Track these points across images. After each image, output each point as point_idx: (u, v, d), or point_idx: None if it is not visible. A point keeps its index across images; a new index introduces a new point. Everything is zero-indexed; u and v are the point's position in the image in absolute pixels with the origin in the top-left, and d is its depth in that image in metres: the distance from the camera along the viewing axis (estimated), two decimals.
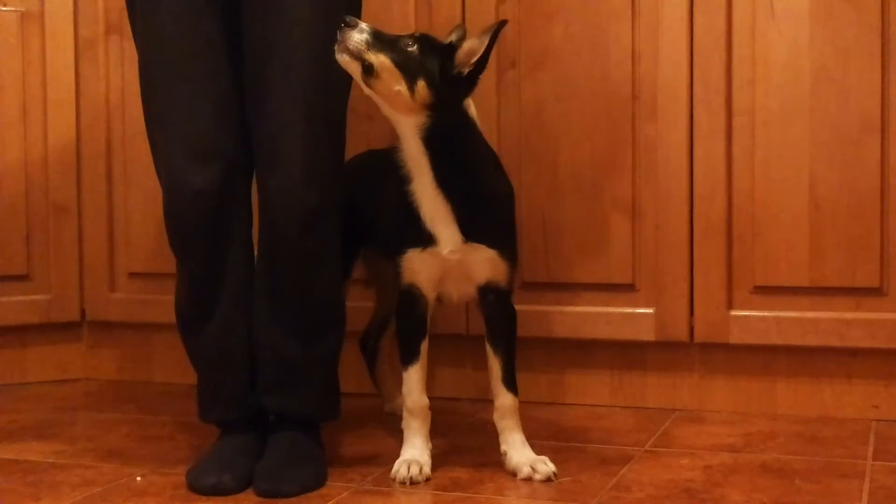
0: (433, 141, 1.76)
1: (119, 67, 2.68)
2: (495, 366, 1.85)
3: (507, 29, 2.35)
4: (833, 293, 2.18)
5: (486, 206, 1.82)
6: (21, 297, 2.68)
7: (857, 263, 2.16)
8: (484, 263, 1.81)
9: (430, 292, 1.84)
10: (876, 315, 2.16)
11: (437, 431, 1.91)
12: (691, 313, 2.26)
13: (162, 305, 2.65)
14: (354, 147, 2.23)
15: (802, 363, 2.23)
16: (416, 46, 1.74)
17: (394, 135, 2.43)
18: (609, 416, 2.26)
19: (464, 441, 2.07)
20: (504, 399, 1.85)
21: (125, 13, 2.63)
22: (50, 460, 1.98)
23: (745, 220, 2.23)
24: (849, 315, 2.17)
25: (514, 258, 1.86)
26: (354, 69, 1.74)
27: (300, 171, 1.78)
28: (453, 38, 1.83)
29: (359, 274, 2.22)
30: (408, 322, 1.86)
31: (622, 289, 2.30)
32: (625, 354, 2.34)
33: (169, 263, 2.69)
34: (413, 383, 1.84)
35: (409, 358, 1.85)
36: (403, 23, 2.41)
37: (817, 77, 2.17)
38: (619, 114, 2.29)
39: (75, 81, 2.70)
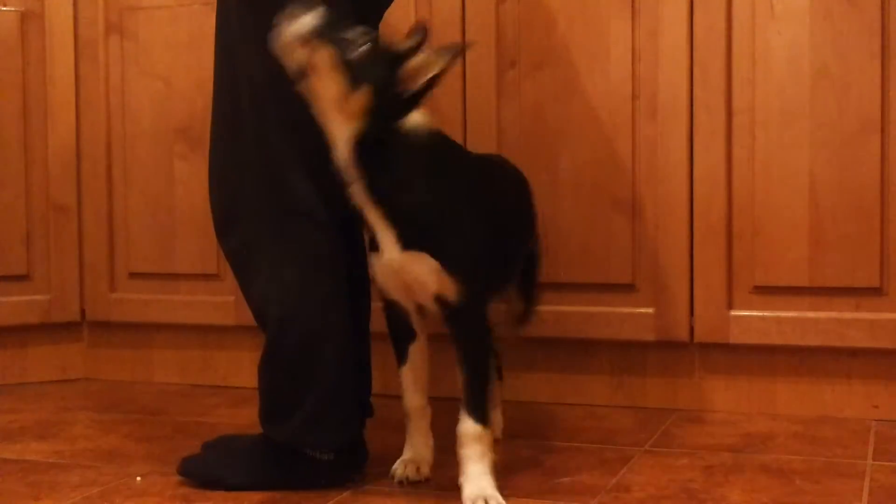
0: (365, 149, 1.61)
1: (119, 67, 2.68)
2: (461, 387, 1.69)
3: (507, 28, 2.36)
4: (833, 293, 2.18)
5: (429, 217, 1.66)
6: (21, 297, 2.68)
7: (857, 263, 2.16)
8: (428, 275, 1.65)
9: (398, 298, 1.75)
10: (876, 315, 2.16)
11: (438, 431, 1.90)
12: (691, 313, 2.26)
13: (162, 305, 2.66)
14: None
15: (802, 363, 2.23)
16: (367, 46, 1.59)
17: None
18: (609, 416, 2.26)
19: None
20: (463, 426, 1.67)
21: (125, 13, 2.67)
22: (50, 460, 1.98)
23: (745, 220, 2.23)
24: (849, 315, 2.17)
25: (465, 272, 1.66)
26: (294, 60, 1.58)
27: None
28: (412, 42, 1.63)
29: None
30: (391, 325, 1.82)
31: (622, 289, 2.30)
32: (625, 354, 2.34)
33: (169, 263, 2.71)
34: (405, 384, 1.81)
35: (398, 360, 1.82)
36: (404, 23, 2.41)
37: (817, 76, 2.17)
38: (619, 113, 2.29)
39: (75, 81, 2.70)
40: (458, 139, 2.37)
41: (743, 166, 2.22)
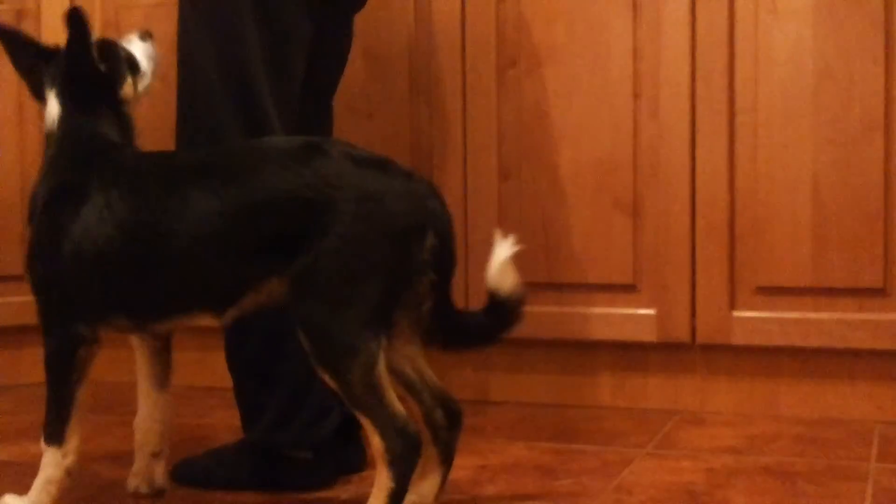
0: None
1: None
2: None
3: (507, 28, 2.35)
4: (836, 294, 2.17)
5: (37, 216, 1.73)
6: (19, 298, 2.66)
7: (860, 264, 2.15)
8: None
9: None
10: (879, 316, 2.14)
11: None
12: (693, 314, 2.25)
13: None
14: None
15: (805, 364, 2.22)
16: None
17: (391, 134, 2.42)
18: (610, 418, 2.26)
19: (464, 441, 2.05)
20: None
21: (122, 11, 2.66)
22: None
23: (748, 220, 2.22)
24: (852, 316, 2.16)
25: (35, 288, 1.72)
26: None
27: None
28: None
29: None
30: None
31: (623, 289, 2.29)
32: (626, 355, 2.33)
33: None
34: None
35: None
36: (403, 23, 2.40)
37: (820, 75, 2.16)
38: (620, 112, 2.28)
39: None
40: (458, 139, 2.37)
41: (745, 166, 2.21)
